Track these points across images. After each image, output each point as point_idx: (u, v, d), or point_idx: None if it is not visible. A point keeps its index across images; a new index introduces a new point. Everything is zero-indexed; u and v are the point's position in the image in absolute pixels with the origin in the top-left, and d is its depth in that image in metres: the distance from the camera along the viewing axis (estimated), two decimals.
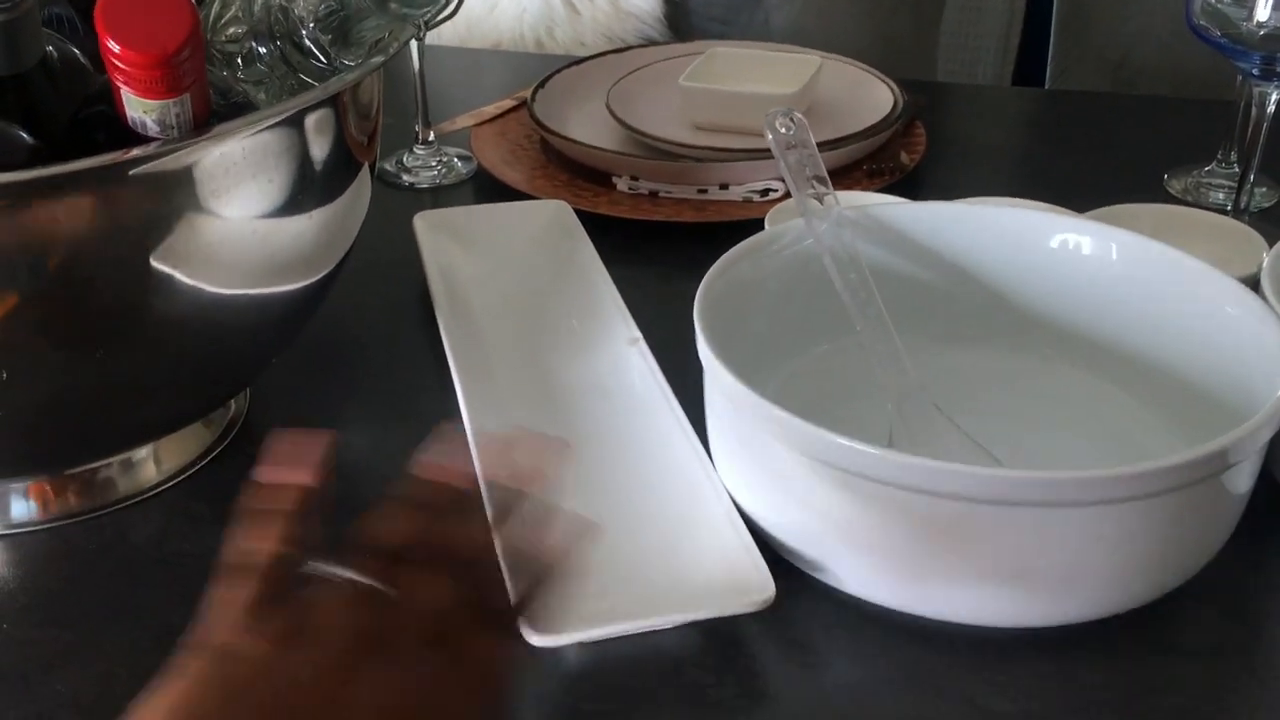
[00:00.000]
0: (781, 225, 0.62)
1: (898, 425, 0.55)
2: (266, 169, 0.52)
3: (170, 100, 0.43)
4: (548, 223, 0.79)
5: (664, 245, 0.81)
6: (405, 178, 0.91)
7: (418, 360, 0.67)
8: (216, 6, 0.53)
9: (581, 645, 0.50)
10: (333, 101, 0.54)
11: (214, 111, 0.46)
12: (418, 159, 0.92)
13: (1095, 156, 0.94)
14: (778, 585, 0.51)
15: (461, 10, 0.79)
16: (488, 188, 0.89)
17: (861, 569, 0.50)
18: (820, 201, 0.61)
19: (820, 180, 0.61)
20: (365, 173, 0.60)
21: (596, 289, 0.71)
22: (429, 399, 0.64)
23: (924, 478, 0.46)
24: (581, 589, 0.51)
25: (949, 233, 0.62)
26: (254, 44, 0.52)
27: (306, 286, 0.58)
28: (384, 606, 0.39)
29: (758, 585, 0.50)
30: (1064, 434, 0.59)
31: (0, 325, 0.48)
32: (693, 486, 0.56)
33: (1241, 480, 0.50)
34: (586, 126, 0.93)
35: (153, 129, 0.45)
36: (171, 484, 0.60)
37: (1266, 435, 0.48)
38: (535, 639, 0.48)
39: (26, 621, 0.52)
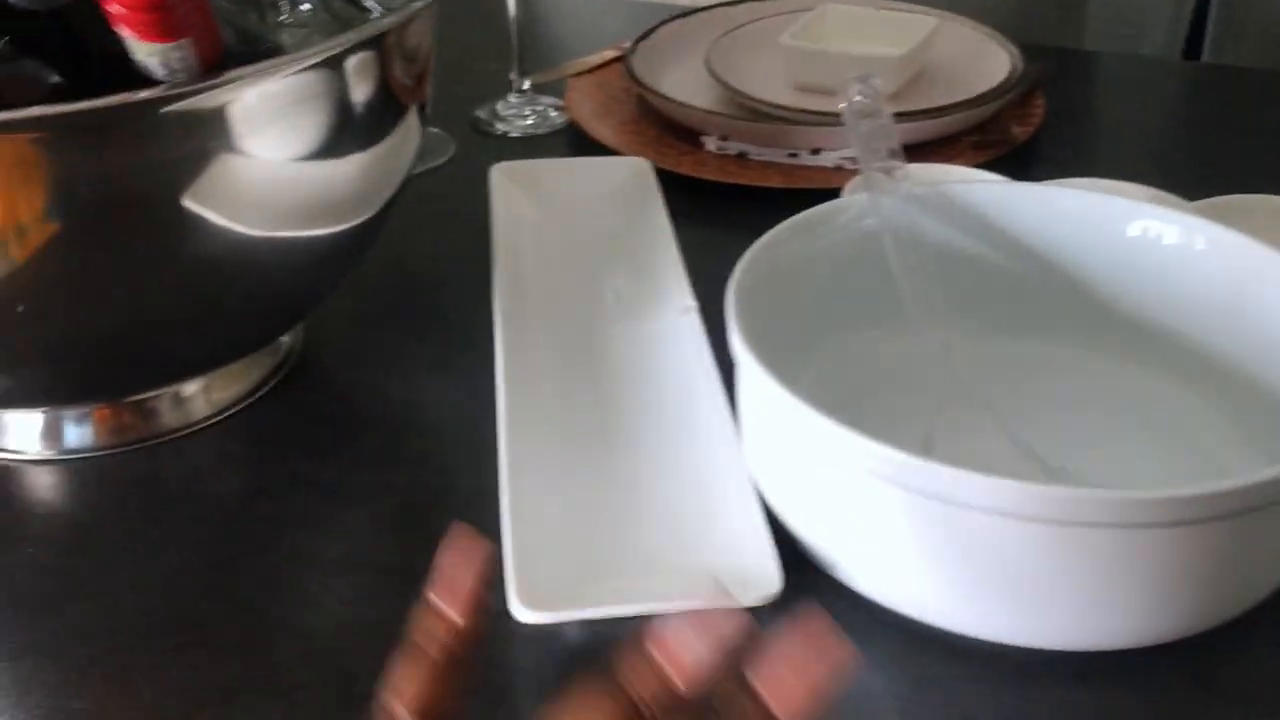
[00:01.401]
0: (841, 200, 0.58)
1: (937, 424, 0.51)
2: (299, 113, 0.51)
3: (169, 44, 0.43)
4: (625, 180, 0.76)
5: (751, 210, 0.77)
6: (499, 126, 0.90)
7: (477, 311, 0.66)
8: None
9: (580, 625, 0.48)
10: (373, 44, 0.53)
11: (231, 56, 0.46)
12: (511, 107, 0.91)
13: (1235, 139, 0.86)
14: (792, 580, 0.48)
15: None
16: (579, 140, 0.87)
17: (879, 573, 0.47)
18: (889, 175, 0.58)
19: (893, 153, 0.58)
20: (413, 116, 0.59)
21: (659, 253, 0.68)
22: (472, 355, 0.62)
23: (944, 485, 0.43)
24: (585, 569, 0.49)
25: (1024, 215, 0.57)
26: None
27: (348, 230, 0.57)
28: None
29: (765, 580, 0.47)
30: (1129, 441, 0.54)
31: (34, 256, 0.49)
32: (718, 470, 0.53)
33: None
34: (687, 82, 0.90)
35: (158, 72, 0.44)
36: (217, 420, 0.61)
37: None
38: (527, 615, 0.46)
39: (49, 549, 0.53)
